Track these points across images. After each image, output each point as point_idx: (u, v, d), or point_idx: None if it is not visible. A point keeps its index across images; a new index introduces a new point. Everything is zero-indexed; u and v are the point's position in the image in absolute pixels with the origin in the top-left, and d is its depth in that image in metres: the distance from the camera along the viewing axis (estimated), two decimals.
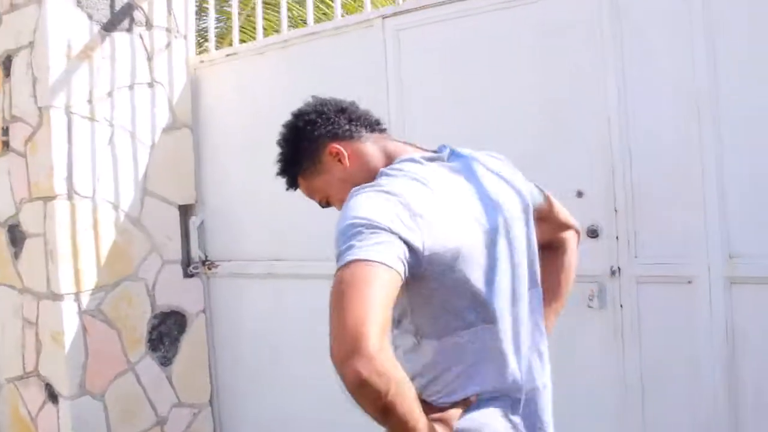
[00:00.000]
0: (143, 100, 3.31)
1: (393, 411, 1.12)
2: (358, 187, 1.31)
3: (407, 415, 1.14)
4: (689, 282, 2.28)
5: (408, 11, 2.81)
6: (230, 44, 3.57)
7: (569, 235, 1.69)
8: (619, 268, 2.40)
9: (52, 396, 3.09)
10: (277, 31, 4.14)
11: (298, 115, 1.50)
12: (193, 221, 3.48)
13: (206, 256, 3.51)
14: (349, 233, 1.19)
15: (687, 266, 2.28)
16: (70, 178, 3.05)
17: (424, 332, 1.34)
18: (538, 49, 2.54)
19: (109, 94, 3.19)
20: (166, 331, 3.35)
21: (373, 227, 1.19)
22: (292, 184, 1.53)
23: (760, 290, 2.18)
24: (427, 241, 1.22)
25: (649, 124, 2.34)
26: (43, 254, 3.08)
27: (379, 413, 1.12)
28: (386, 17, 2.88)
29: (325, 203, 1.53)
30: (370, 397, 1.10)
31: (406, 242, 1.20)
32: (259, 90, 3.28)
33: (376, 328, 1.10)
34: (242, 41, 3.71)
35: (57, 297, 3.02)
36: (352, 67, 2.98)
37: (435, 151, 1.46)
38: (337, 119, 1.47)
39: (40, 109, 3.05)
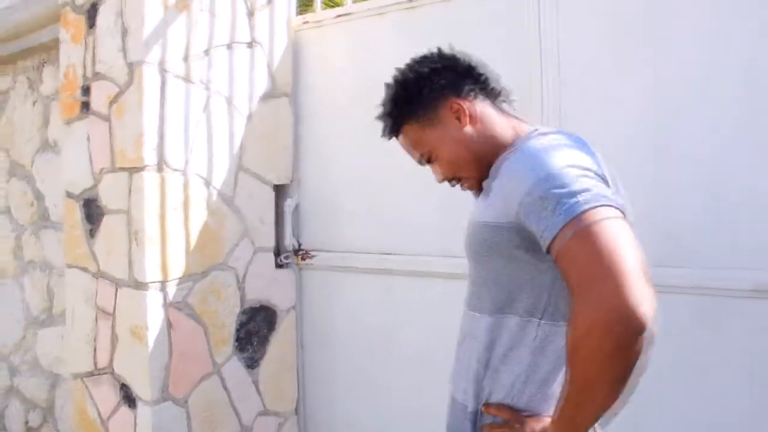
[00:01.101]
0: (242, 62, 2.86)
1: (628, 377, 1.05)
2: (527, 137, 1.28)
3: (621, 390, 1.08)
4: None
5: None
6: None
7: None
8: None
9: (128, 398, 2.67)
10: None
11: (422, 61, 1.38)
12: (288, 204, 3.05)
13: (299, 245, 3.08)
14: (573, 174, 1.12)
15: None
16: (161, 147, 2.61)
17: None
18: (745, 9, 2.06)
19: (206, 53, 2.75)
20: (255, 330, 2.91)
21: (592, 174, 1.15)
22: (394, 130, 1.39)
23: None
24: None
25: None
26: (124, 234, 2.65)
27: (625, 373, 1.04)
28: None
29: (426, 160, 1.40)
30: (636, 349, 1.02)
31: None
32: (376, 58, 2.81)
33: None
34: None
35: (140, 285, 2.60)
36: (496, 35, 2.51)
37: None
38: (465, 75, 1.36)
39: (130, 65, 2.61)
